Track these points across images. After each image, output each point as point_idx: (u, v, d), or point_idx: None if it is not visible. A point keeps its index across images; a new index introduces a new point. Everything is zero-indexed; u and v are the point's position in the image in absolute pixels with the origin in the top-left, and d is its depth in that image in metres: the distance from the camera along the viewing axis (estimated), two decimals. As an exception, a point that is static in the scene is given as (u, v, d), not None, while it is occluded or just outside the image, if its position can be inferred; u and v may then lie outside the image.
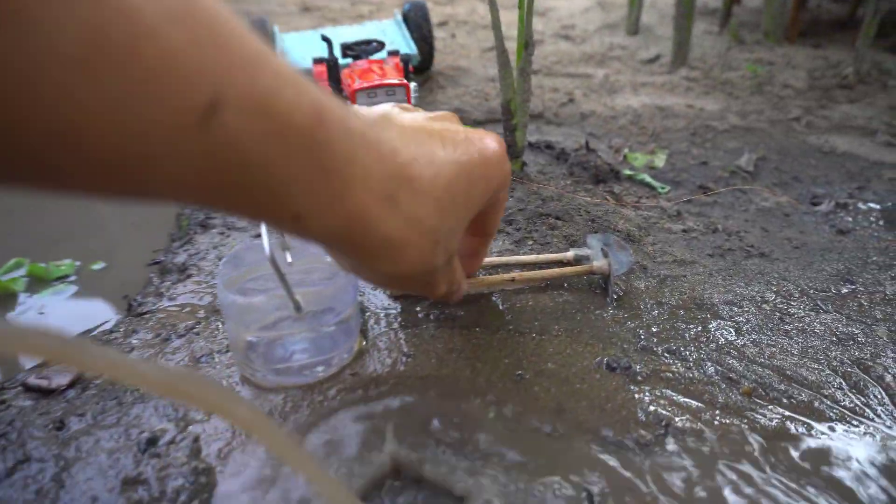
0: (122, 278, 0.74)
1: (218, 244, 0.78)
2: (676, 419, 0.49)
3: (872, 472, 0.46)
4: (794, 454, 0.47)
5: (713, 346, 0.58)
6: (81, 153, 0.19)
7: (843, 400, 0.53)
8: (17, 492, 0.40)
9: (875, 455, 0.47)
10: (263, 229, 0.48)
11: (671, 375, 0.54)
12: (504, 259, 0.68)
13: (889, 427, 0.50)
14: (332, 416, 0.48)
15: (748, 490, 0.44)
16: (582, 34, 2.17)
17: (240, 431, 0.46)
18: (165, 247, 0.80)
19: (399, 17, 1.56)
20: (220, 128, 0.21)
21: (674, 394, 0.52)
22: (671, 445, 0.47)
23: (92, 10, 0.17)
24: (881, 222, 0.92)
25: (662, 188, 0.99)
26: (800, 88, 1.54)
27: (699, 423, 0.49)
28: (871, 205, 0.98)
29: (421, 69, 1.56)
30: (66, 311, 0.68)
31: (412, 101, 0.93)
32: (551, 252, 0.72)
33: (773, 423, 0.50)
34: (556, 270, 0.65)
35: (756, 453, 0.47)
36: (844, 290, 0.71)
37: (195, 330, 0.60)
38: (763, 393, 0.53)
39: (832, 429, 0.50)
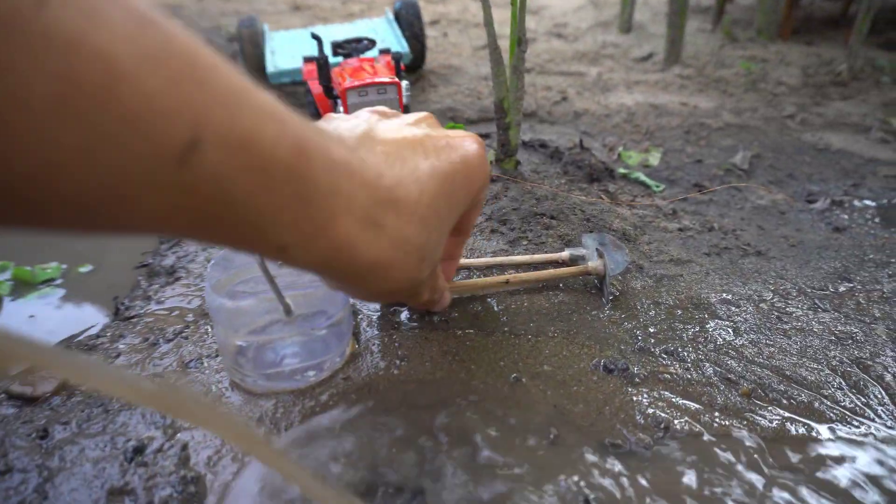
0: (109, 281, 0.73)
1: (207, 246, 0.77)
2: (675, 421, 0.49)
3: (874, 473, 0.45)
4: (795, 456, 0.47)
5: (711, 346, 0.58)
6: (58, 192, 0.19)
7: (844, 400, 0.52)
8: (-3, 504, 0.39)
9: (876, 456, 0.47)
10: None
11: (669, 377, 0.53)
12: (498, 259, 0.67)
13: (890, 427, 0.50)
14: (321, 423, 0.47)
15: (749, 493, 0.43)
16: (575, 32, 2.16)
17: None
18: (153, 249, 0.78)
19: (390, 16, 1.55)
20: (200, 165, 0.22)
21: (672, 395, 0.51)
22: (670, 448, 0.46)
23: (65, 56, 0.17)
24: (877, 219, 0.92)
25: (657, 186, 0.98)
26: (793, 86, 1.54)
27: (698, 426, 0.48)
28: (867, 202, 0.98)
29: (413, 68, 1.54)
30: (52, 316, 0.67)
31: (404, 99, 0.92)
32: (546, 252, 0.71)
33: (773, 424, 0.49)
34: (551, 272, 0.64)
35: (756, 455, 0.46)
36: (842, 289, 0.70)
37: (184, 334, 0.59)
38: (762, 394, 0.52)
39: (833, 430, 0.49)
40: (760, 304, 0.65)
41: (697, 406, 0.50)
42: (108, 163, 0.19)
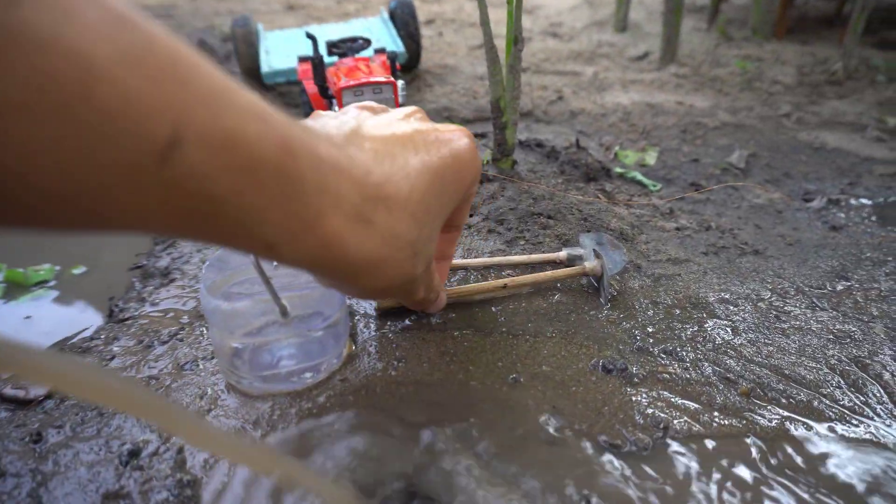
0: (103, 283, 0.72)
1: (202, 247, 0.76)
2: (674, 421, 0.48)
3: (873, 472, 0.45)
4: (795, 455, 0.46)
5: (710, 345, 0.57)
6: (38, 188, 0.19)
7: (843, 399, 0.52)
8: (-10, 510, 0.38)
9: (876, 455, 0.47)
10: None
11: (668, 377, 0.53)
12: (496, 259, 0.67)
13: (889, 426, 0.49)
14: (318, 425, 0.46)
15: (748, 493, 0.43)
16: (570, 31, 2.16)
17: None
18: (148, 250, 0.78)
19: (385, 15, 1.55)
20: (182, 163, 0.22)
21: (671, 395, 0.51)
22: (670, 448, 0.46)
23: (40, 56, 0.18)
24: (873, 218, 0.92)
25: (654, 186, 0.98)
26: (789, 85, 1.54)
27: (698, 425, 0.48)
28: (863, 200, 0.98)
29: (408, 67, 1.54)
30: (45, 318, 0.66)
31: (400, 99, 0.92)
32: (544, 252, 0.70)
33: (773, 423, 0.49)
34: (549, 274, 0.63)
35: (756, 455, 0.46)
36: (840, 287, 0.70)
37: (179, 336, 0.58)
38: (761, 393, 0.52)
39: (832, 429, 0.49)
40: (759, 304, 0.65)
41: (697, 406, 0.50)
42: (89, 160, 0.19)
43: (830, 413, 0.50)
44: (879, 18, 2.02)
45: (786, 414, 0.50)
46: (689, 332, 0.59)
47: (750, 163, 1.11)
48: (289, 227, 0.27)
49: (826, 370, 0.55)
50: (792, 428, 0.49)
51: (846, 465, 0.46)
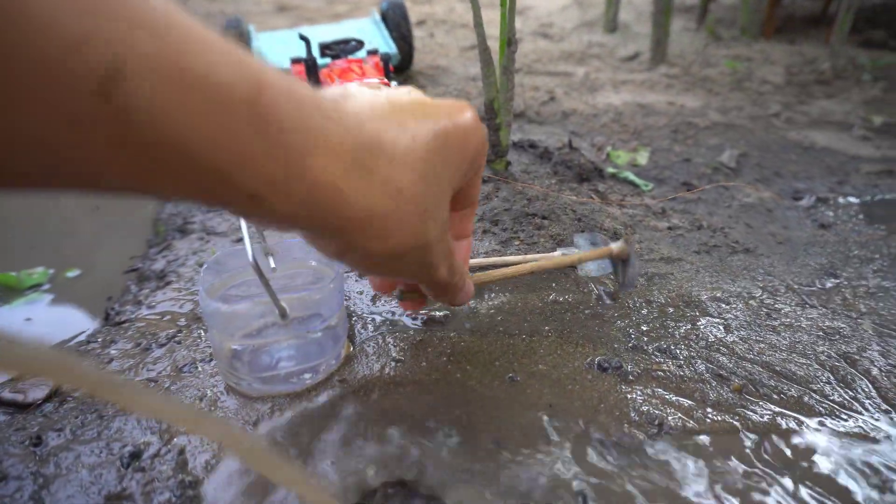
0: (98, 286, 0.72)
1: (198, 250, 0.76)
2: (669, 418, 0.49)
3: (862, 465, 0.46)
4: (786, 450, 0.47)
5: (703, 343, 0.58)
6: None
7: (832, 394, 0.53)
8: (-7, 513, 0.38)
9: (865, 448, 0.48)
10: (245, 234, 0.47)
11: (662, 374, 0.54)
12: (491, 260, 0.68)
13: (877, 419, 0.51)
14: (317, 425, 0.47)
15: (741, 486, 0.44)
16: (560, 32, 2.17)
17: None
18: (143, 253, 0.78)
19: (377, 16, 1.55)
20: (128, 97, 0.20)
21: (665, 392, 0.52)
22: (664, 444, 0.47)
23: None
24: (861, 216, 0.93)
25: (646, 185, 0.99)
26: (778, 84, 1.56)
27: (691, 422, 0.49)
28: (851, 199, 0.99)
29: (400, 69, 1.54)
30: (41, 321, 0.66)
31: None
32: (538, 252, 0.71)
33: (764, 419, 0.50)
34: (575, 256, 0.61)
35: (748, 450, 0.47)
36: (829, 285, 0.71)
37: (177, 339, 0.58)
38: (753, 389, 0.53)
39: (822, 423, 0.50)
40: (750, 301, 0.66)
41: (690, 402, 0.51)
42: (21, 102, 0.18)
43: (820, 408, 0.51)
44: (865, 18, 2.04)
45: (777, 410, 0.51)
46: (682, 331, 0.60)
47: (740, 162, 1.13)
48: (273, 174, 0.24)
49: (816, 366, 0.56)
50: (783, 423, 0.50)
51: (836, 459, 0.47)
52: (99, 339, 0.59)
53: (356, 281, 0.67)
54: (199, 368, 0.54)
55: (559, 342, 0.57)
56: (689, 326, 0.61)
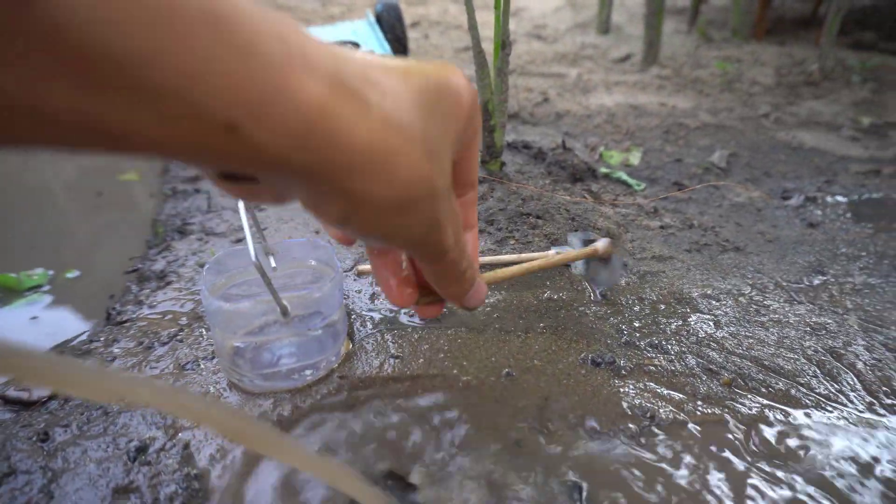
0: (97, 287, 0.73)
1: (197, 250, 0.77)
2: (661, 411, 0.51)
3: (847, 454, 0.48)
4: (774, 440, 0.49)
5: (693, 339, 0.60)
6: None
7: (818, 387, 0.55)
8: (3, 506, 0.39)
9: (849, 438, 0.49)
10: (247, 233, 0.48)
11: (654, 369, 0.55)
12: (487, 259, 0.69)
13: (861, 411, 0.52)
14: (319, 420, 0.48)
15: (731, 475, 0.45)
16: (554, 34, 2.19)
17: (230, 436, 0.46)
18: (142, 254, 0.79)
19: (371, 18, 1.56)
20: (48, 4, 0.17)
21: (657, 386, 0.53)
22: (656, 436, 0.48)
23: None
24: (848, 215, 0.95)
25: (638, 185, 1.01)
26: (768, 85, 1.58)
27: (682, 414, 0.51)
28: (839, 198, 1.01)
29: (396, 70, 1.55)
30: (42, 322, 0.67)
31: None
32: (533, 251, 0.72)
33: (753, 411, 0.51)
34: (577, 252, 0.62)
35: (737, 441, 0.48)
36: (816, 282, 0.73)
37: (178, 337, 0.59)
38: (742, 383, 0.55)
39: (808, 415, 0.52)
40: (739, 298, 0.68)
41: (681, 396, 0.52)
42: None
43: (807, 400, 0.53)
44: (854, 20, 2.07)
45: (765, 402, 0.53)
46: (673, 327, 0.62)
47: (731, 162, 1.14)
48: (248, 95, 0.20)
49: (803, 360, 0.58)
50: (771, 415, 0.51)
51: (821, 448, 0.48)
52: (101, 339, 0.60)
53: (354, 280, 0.68)
54: (202, 366, 0.55)
55: (553, 338, 0.58)
56: (680, 323, 0.62)
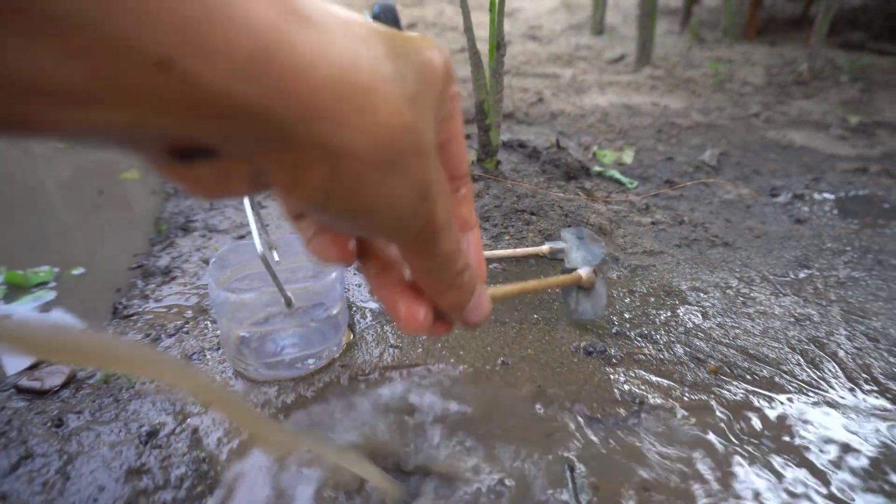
0: (103, 283, 0.75)
1: (200, 247, 0.79)
2: (649, 397, 0.53)
3: (828, 437, 0.50)
4: (757, 425, 0.51)
5: (682, 329, 0.62)
6: None
7: (801, 374, 0.57)
8: (23, 485, 0.41)
9: (830, 422, 0.52)
10: (253, 226, 0.50)
11: (644, 357, 0.58)
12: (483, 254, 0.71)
13: (842, 397, 0.54)
14: (321, 407, 0.50)
15: (717, 458, 0.47)
16: (549, 35, 2.21)
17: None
18: (146, 251, 0.81)
19: (369, 20, 1.58)
20: None
21: (646, 374, 0.56)
22: (645, 420, 0.51)
23: None
24: (835, 211, 0.98)
25: (631, 183, 1.03)
26: (758, 85, 1.60)
27: (670, 400, 0.53)
28: (826, 195, 1.04)
29: (393, 71, 1.58)
30: (51, 317, 0.69)
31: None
32: (527, 246, 0.75)
33: (738, 397, 0.54)
34: (553, 280, 0.61)
35: (723, 425, 0.51)
36: (802, 275, 0.75)
37: (185, 329, 0.61)
38: (728, 371, 0.57)
39: (791, 400, 0.54)
40: (727, 291, 0.70)
41: (669, 382, 0.55)
42: None
43: (790, 387, 0.55)
44: (845, 20, 2.10)
45: (750, 389, 0.55)
46: (662, 317, 0.64)
47: (721, 161, 1.17)
48: (180, 21, 0.16)
49: (787, 349, 0.60)
50: (755, 401, 0.53)
51: (803, 431, 0.51)
52: (109, 331, 0.62)
53: (354, 274, 0.70)
54: (208, 356, 0.57)
55: (547, 329, 0.61)
56: (669, 314, 0.64)
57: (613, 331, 0.61)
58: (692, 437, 0.49)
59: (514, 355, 0.56)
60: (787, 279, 0.74)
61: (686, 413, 0.52)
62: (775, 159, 1.19)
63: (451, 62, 0.25)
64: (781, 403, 0.53)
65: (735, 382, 0.55)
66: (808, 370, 0.58)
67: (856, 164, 1.16)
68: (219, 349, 0.58)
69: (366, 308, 0.63)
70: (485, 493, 0.43)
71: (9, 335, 0.18)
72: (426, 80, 0.24)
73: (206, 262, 0.74)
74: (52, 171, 1.13)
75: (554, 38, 2.15)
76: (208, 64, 0.17)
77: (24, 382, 0.54)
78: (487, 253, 0.71)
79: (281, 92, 0.18)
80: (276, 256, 0.57)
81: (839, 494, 0.45)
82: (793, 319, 0.65)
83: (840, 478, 0.46)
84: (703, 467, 0.47)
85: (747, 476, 0.46)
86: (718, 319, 0.64)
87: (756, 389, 0.55)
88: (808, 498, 0.44)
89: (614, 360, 0.57)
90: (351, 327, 0.60)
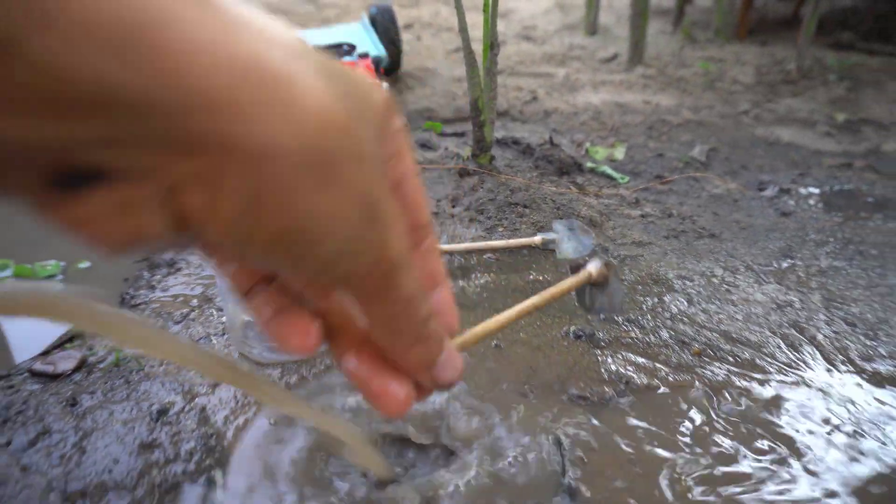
0: (110, 276, 0.77)
1: (204, 239, 0.82)
2: (635, 377, 0.56)
3: (806, 414, 0.53)
4: (739, 402, 0.54)
5: (667, 314, 0.65)
6: None
7: (781, 356, 0.60)
8: (41, 458, 0.44)
9: (807, 400, 0.54)
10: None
11: (630, 341, 0.60)
12: (478, 245, 0.74)
13: (819, 377, 0.57)
14: (322, 385, 0.53)
15: (699, 433, 0.50)
16: (543, 35, 2.24)
17: (245, 400, 0.50)
18: (152, 243, 0.83)
19: (366, 21, 1.61)
20: None
21: (633, 356, 0.58)
22: (631, 399, 0.53)
23: None
24: (820, 205, 1.01)
25: (623, 179, 1.06)
26: (748, 84, 1.63)
27: (655, 380, 0.55)
28: (811, 189, 1.07)
29: (389, 71, 1.60)
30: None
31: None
32: (520, 237, 0.77)
33: (720, 377, 0.56)
34: (564, 286, 0.58)
35: (705, 403, 0.53)
36: (785, 265, 0.78)
37: (191, 316, 0.64)
38: (711, 353, 0.60)
39: (770, 380, 0.57)
40: (712, 279, 0.73)
41: (655, 364, 0.57)
42: None
43: (770, 368, 0.58)
44: (835, 20, 2.14)
45: (732, 369, 0.58)
46: (649, 304, 0.67)
47: (710, 156, 1.20)
48: None
49: (768, 333, 0.63)
50: (737, 380, 0.56)
51: (782, 409, 0.53)
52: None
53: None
54: (214, 341, 0.59)
55: (538, 315, 0.63)
56: (655, 300, 0.67)
57: (602, 316, 0.63)
58: (676, 415, 0.52)
59: (506, 339, 0.59)
60: (771, 268, 0.77)
61: (670, 392, 0.54)
62: (763, 155, 1.22)
63: (393, 100, 0.21)
64: (761, 383, 0.56)
65: (718, 364, 0.58)
66: (787, 352, 0.60)
67: (841, 159, 1.19)
68: (224, 335, 0.60)
69: (365, 296, 0.66)
70: (477, 465, 0.45)
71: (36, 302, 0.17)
72: (361, 97, 0.19)
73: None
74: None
75: (548, 39, 2.18)
76: (66, 42, 0.13)
77: (38, 366, 0.57)
78: (481, 244, 0.74)
79: (163, 73, 0.13)
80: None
81: (813, 467, 0.48)
82: (775, 306, 0.68)
83: (815, 451, 0.49)
84: (686, 443, 0.49)
85: (728, 451, 0.49)
86: (703, 306, 0.67)
87: (738, 370, 0.57)
88: (786, 471, 0.47)
89: (602, 344, 0.60)
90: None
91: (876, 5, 2.19)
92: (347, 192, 0.17)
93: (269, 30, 0.16)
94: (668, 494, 0.45)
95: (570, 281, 0.52)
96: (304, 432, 0.46)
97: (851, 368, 0.59)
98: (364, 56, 1.18)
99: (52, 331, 0.61)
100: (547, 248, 0.73)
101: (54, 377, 0.56)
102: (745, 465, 0.47)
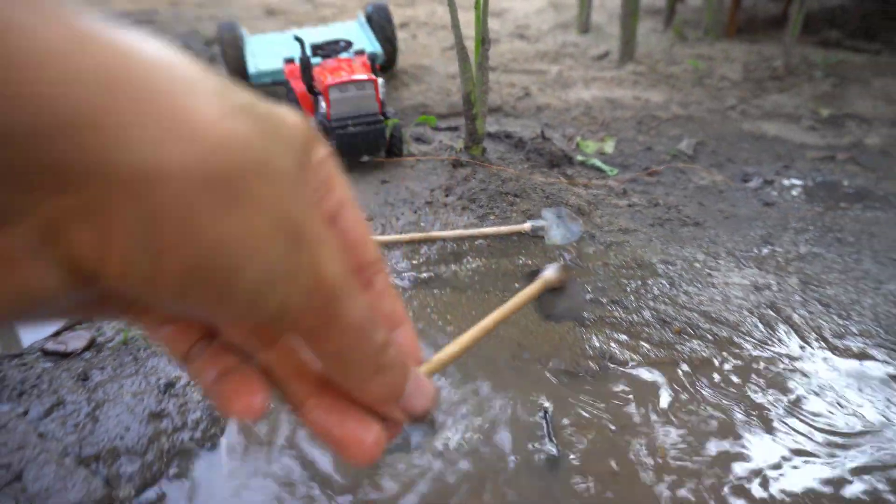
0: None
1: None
2: (618, 353, 0.59)
3: (778, 386, 0.56)
4: (716, 377, 0.57)
5: (650, 296, 0.68)
6: None
7: (757, 334, 0.63)
8: (57, 427, 0.47)
9: (780, 373, 0.57)
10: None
11: (614, 320, 0.63)
12: (469, 231, 0.77)
13: (792, 353, 0.60)
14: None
15: (677, 405, 0.53)
16: (536, 33, 2.27)
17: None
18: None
19: (362, 19, 1.64)
20: None
21: (616, 334, 0.61)
22: (613, 373, 0.56)
23: None
24: (802, 195, 1.04)
25: (612, 171, 1.09)
26: (736, 80, 1.67)
27: (637, 356, 0.59)
28: (794, 181, 1.10)
29: (385, 68, 1.63)
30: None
31: (381, 95, 1.01)
32: (511, 224, 0.80)
33: (699, 354, 0.60)
34: (523, 296, 0.65)
35: (683, 377, 0.57)
36: (765, 251, 0.81)
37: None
38: (691, 331, 0.63)
39: (747, 356, 0.60)
40: (694, 263, 0.76)
41: (637, 341, 0.61)
42: None
43: (747, 345, 0.61)
44: (823, 19, 2.17)
45: (711, 346, 0.61)
46: (633, 286, 0.70)
47: (697, 150, 1.23)
48: None
49: (745, 313, 0.66)
50: (714, 356, 0.59)
51: (756, 382, 0.56)
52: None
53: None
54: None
55: (527, 296, 0.66)
56: (639, 283, 0.70)
57: (587, 297, 0.67)
58: (656, 387, 0.55)
59: (496, 318, 0.62)
60: (752, 254, 0.80)
61: (651, 367, 0.58)
62: (748, 148, 1.25)
63: (315, 131, 0.18)
64: (737, 358, 0.59)
65: (697, 341, 0.61)
66: (763, 330, 0.63)
67: (824, 152, 1.22)
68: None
69: (361, 280, 0.69)
70: (468, 435, 0.48)
71: None
72: (268, 115, 0.16)
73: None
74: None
75: (541, 37, 2.21)
76: None
77: (50, 346, 0.59)
78: (473, 231, 0.77)
79: (2, 91, 0.11)
80: None
81: (781, 430, 0.51)
82: (753, 288, 0.71)
83: (785, 420, 0.52)
84: (665, 412, 0.52)
85: (705, 419, 0.52)
86: (685, 288, 0.70)
87: (715, 346, 0.61)
88: (758, 437, 0.50)
89: (587, 323, 0.63)
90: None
91: (863, 5, 2.23)
92: (260, 211, 0.14)
93: (140, 42, 0.13)
94: (647, 460, 0.48)
95: (528, 290, 0.56)
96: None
97: (824, 345, 0.62)
98: (360, 53, 1.20)
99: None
100: (536, 235, 0.76)
101: (66, 355, 0.58)
102: (721, 433, 0.50)
